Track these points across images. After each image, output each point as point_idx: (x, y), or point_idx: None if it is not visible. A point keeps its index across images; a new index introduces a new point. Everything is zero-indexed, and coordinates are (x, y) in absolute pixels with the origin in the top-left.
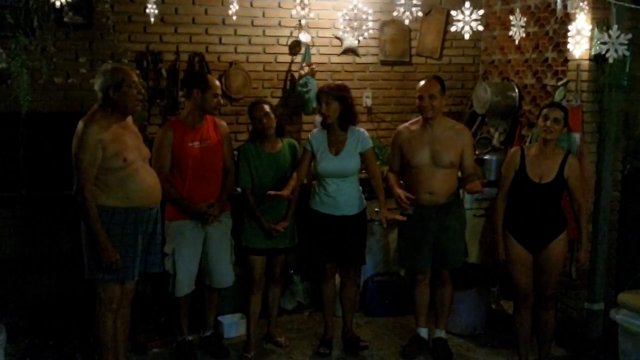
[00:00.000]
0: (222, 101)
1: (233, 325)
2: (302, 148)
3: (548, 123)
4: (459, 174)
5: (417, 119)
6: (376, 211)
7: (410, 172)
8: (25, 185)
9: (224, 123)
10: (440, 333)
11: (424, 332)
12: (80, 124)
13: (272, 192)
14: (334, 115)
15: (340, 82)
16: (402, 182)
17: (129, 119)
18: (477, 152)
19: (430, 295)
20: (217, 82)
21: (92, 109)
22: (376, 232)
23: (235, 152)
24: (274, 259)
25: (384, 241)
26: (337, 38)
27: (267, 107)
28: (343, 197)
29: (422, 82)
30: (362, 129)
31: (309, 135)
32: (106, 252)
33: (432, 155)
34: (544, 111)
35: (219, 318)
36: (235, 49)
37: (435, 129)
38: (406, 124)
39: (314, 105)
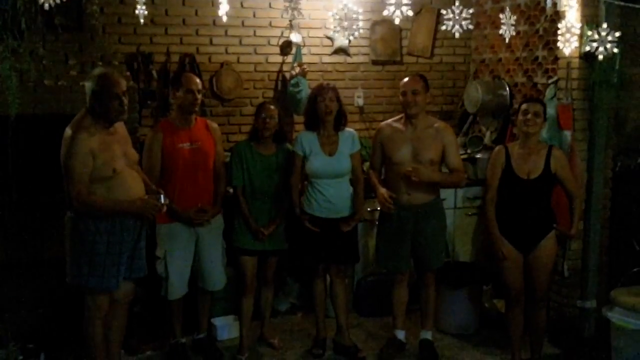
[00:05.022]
0: (199, 97)
1: (226, 328)
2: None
3: (529, 117)
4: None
5: (399, 116)
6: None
7: (391, 169)
8: (16, 189)
9: (215, 125)
10: (427, 334)
11: (401, 335)
12: (68, 131)
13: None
14: (334, 113)
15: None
16: (382, 178)
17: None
18: (468, 151)
19: (416, 297)
20: (193, 79)
21: (80, 114)
22: (368, 232)
23: (227, 153)
24: (265, 262)
25: (376, 241)
26: (328, 38)
27: (273, 110)
28: (340, 200)
29: (406, 79)
30: (351, 130)
31: (297, 138)
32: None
33: (413, 153)
34: (523, 106)
35: (212, 320)
36: (226, 49)
37: (418, 126)
38: (388, 121)
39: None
